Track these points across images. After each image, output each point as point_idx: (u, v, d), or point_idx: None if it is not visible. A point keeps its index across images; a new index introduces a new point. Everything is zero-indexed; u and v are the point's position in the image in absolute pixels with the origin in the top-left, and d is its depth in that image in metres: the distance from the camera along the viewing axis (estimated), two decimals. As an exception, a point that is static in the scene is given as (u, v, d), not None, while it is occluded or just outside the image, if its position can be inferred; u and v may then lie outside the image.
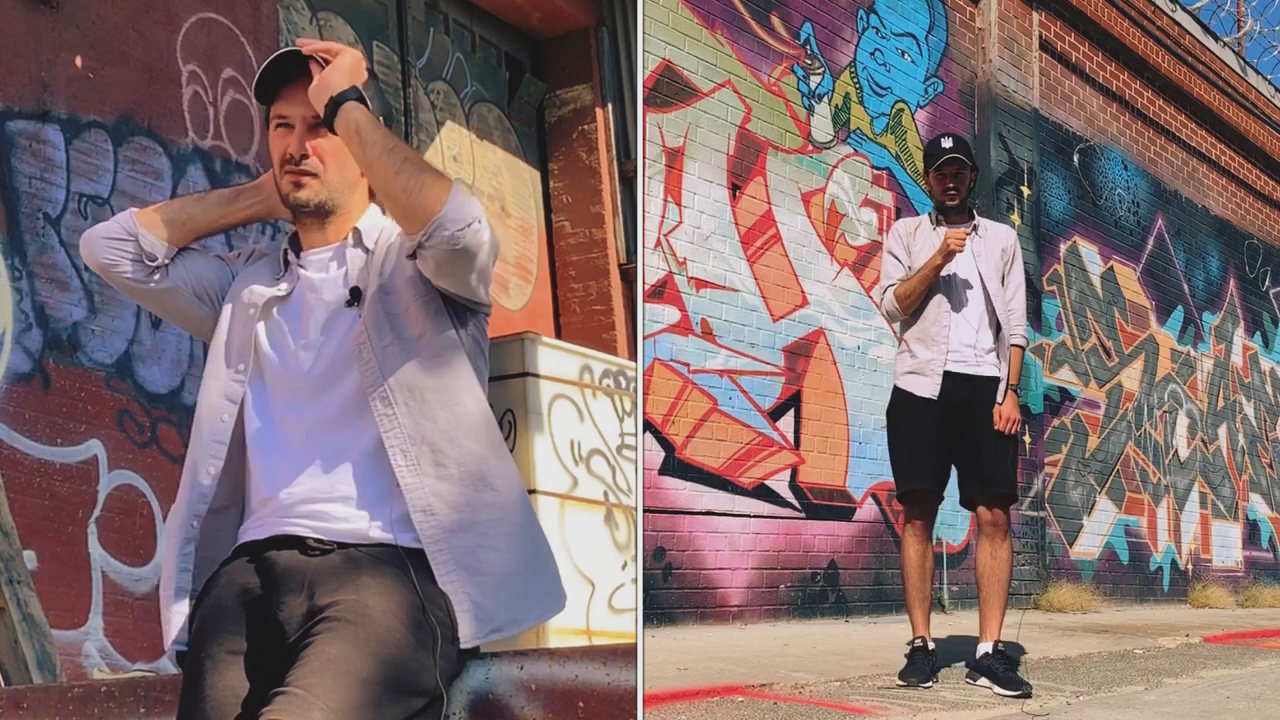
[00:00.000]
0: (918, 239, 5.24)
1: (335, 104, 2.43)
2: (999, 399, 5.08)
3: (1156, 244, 12.60)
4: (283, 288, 2.54)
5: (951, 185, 5.19)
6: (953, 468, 5.22)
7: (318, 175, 2.51)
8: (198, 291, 2.61)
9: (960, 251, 5.04)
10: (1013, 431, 5.09)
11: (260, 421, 2.48)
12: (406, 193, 2.35)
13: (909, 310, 5.18)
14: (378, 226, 2.57)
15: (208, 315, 2.62)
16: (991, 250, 5.23)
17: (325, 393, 2.45)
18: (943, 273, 5.10)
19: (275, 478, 2.43)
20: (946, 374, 5.09)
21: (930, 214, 5.32)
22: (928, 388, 5.11)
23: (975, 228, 5.25)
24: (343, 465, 2.40)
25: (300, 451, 2.43)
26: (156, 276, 2.58)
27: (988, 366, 5.14)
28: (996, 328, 5.19)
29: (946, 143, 5.23)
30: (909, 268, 5.20)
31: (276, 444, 2.45)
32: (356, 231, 2.55)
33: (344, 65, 2.48)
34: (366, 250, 2.53)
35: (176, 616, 2.46)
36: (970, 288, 5.17)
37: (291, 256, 2.58)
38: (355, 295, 2.48)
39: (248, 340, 2.52)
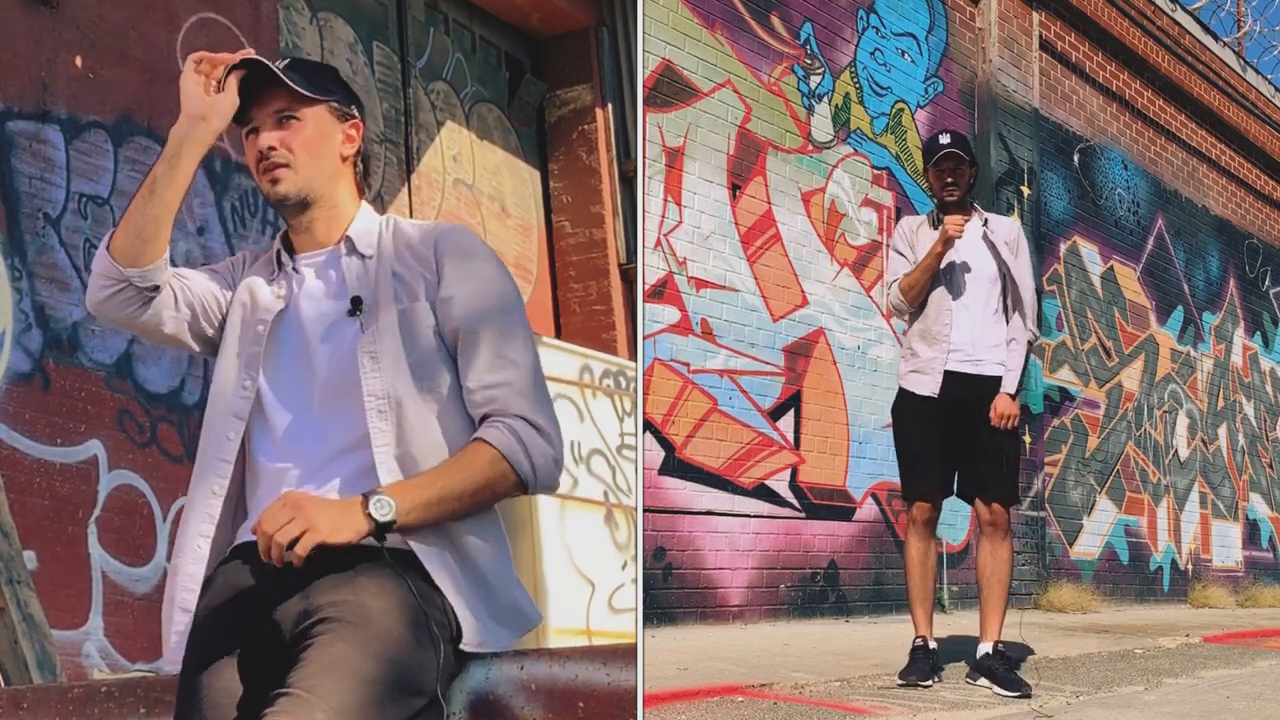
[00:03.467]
0: (920, 236, 5.23)
1: (381, 536, 2.28)
2: (1009, 391, 5.06)
3: (1156, 244, 12.60)
4: (280, 295, 2.51)
5: (951, 181, 5.17)
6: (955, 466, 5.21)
7: (288, 165, 2.46)
8: (206, 319, 2.56)
9: (959, 236, 5.02)
10: (1010, 427, 5.08)
11: (258, 430, 2.47)
12: (493, 500, 2.42)
13: (914, 303, 5.16)
14: (373, 230, 2.53)
15: (217, 336, 2.58)
16: (999, 241, 5.22)
17: (321, 403, 2.43)
18: (947, 262, 5.09)
19: (270, 486, 2.42)
20: (948, 373, 5.08)
21: (931, 213, 5.31)
22: (928, 385, 5.10)
23: (985, 221, 5.24)
24: (335, 470, 2.39)
25: (294, 459, 2.41)
26: (165, 300, 2.50)
27: (991, 365, 5.11)
28: (1008, 317, 5.17)
29: (945, 139, 5.22)
30: (914, 263, 5.19)
31: (273, 453, 2.44)
32: (349, 240, 2.50)
33: (309, 517, 2.23)
34: (363, 256, 2.49)
35: (176, 638, 2.45)
36: (975, 280, 5.15)
37: (285, 258, 2.55)
38: (356, 305, 2.44)
39: (255, 356, 2.48)
